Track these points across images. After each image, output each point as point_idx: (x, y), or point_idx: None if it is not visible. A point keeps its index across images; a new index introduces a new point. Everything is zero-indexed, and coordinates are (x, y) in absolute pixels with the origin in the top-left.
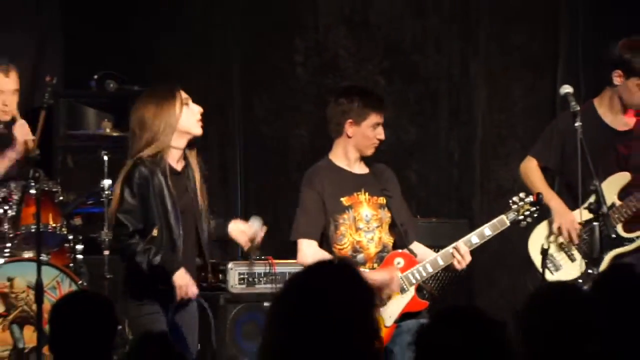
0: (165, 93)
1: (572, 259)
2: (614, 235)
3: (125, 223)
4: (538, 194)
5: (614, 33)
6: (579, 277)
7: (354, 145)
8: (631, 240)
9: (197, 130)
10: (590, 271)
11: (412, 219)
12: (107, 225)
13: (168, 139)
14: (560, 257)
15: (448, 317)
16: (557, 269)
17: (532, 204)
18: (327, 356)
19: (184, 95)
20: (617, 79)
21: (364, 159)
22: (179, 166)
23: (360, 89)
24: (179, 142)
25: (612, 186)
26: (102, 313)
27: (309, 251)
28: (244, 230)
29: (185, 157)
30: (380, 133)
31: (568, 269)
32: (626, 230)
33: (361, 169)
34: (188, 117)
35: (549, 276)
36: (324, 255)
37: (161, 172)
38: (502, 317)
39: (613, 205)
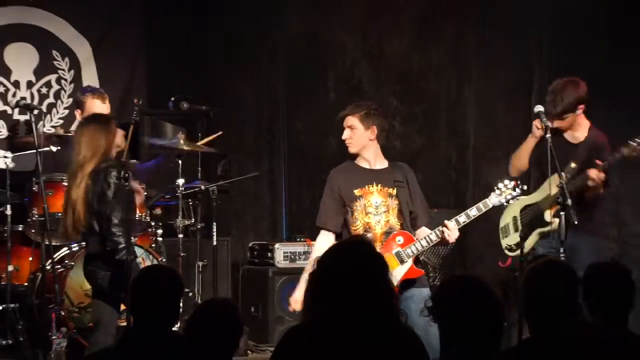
0: None
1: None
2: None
3: None
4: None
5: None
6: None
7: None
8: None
9: None
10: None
11: (424, 207)
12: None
13: None
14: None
15: (454, 281)
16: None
17: (512, 188)
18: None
19: None
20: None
21: (388, 158)
22: None
23: None
24: None
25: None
26: (173, 281)
27: (318, 242)
28: None
29: None
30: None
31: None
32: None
33: (381, 165)
34: None
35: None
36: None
37: None
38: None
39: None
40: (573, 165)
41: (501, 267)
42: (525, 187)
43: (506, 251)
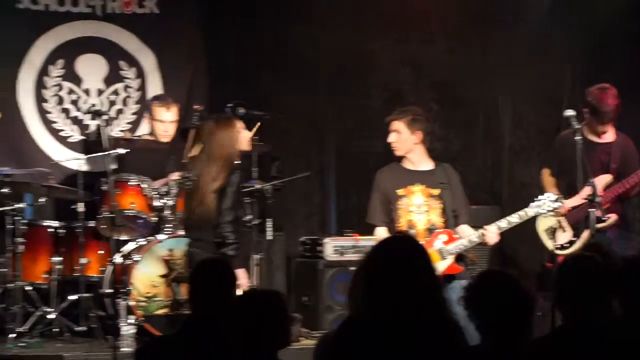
0: None
1: (564, 231)
2: (603, 219)
3: None
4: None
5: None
6: (567, 242)
7: None
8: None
9: None
10: (574, 239)
11: (466, 206)
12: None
13: None
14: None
15: (488, 276)
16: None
17: (554, 200)
18: (402, 299)
19: None
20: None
21: (435, 159)
22: None
23: None
24: None
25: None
26: (227, 273)
27: (376, 233)
28: None
29: None
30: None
31: (561, 237)
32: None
33: (426, 167)
34: None
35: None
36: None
37: None
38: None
39: None
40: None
41: (534, 260)
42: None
43: (557, 251)
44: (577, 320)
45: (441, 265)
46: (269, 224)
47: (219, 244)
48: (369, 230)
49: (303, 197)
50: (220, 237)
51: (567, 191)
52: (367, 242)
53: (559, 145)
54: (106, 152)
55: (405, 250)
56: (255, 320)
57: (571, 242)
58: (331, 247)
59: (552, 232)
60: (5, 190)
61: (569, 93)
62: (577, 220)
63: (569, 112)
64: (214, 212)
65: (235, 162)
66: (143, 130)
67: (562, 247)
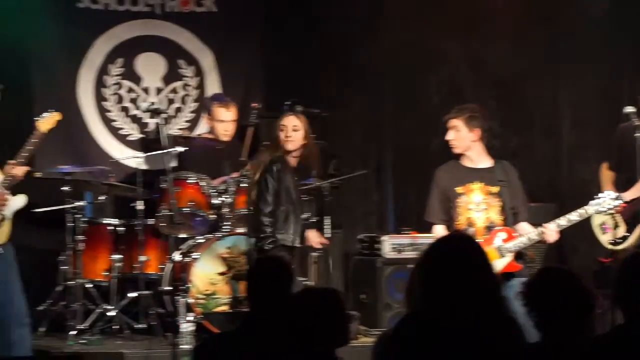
0: None
1: (617, 227)
2: None
3: None
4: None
5: None
6: (620, 237)
7: None
8: None
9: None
10: (627, 234)
11: (524, 204)
12: None
13: None
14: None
15: (548, 273)
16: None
17: (614, 198)
18: (460, 297)
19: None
20: None
21: (493, 156)
22: None
23: None
24: None
25: None
26: (284, 271)
27: (435, 234)
28: None
29: None
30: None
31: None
32: None
33: (485, 164)
34: None
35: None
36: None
37: None
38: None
39: None
40: None
41: (594, 258)
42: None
43: (610, 246)
44: (638, 318)
45: (500, 263)
46: (327, 221)
47: (256, 237)
48: (427, 228)
49: (361, 195)
50: (257, 231)
51: (625, 186)
52: (425, 240)
53: (618, 139)
54: (165, 150)
55: (462, 248)
56: (313, 318)
57: (624, 237)
58: (389, 244)
59: (606, 226)
60: (65, 188)
61: (628, 90)
62: (632, 214)
63: (629, 109)
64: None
65: (276, 155)
66: (201, 128)
67: (616, 242)
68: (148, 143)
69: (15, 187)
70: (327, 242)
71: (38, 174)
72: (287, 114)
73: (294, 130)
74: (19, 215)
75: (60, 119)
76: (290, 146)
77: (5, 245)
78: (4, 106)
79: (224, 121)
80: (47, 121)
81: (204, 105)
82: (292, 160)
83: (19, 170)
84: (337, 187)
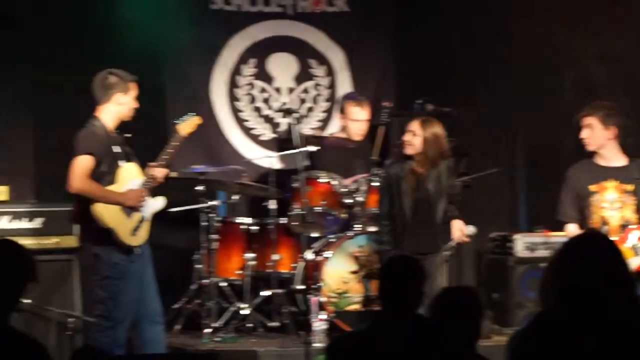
0: None
1: None
2: None
3: None
4: None
5: None
6: None
7: None
8: None
9: None
10: None
11: None
12: None
13: None
14: None
15: None
16: None
17: None
18: (591, 297)
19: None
20: None
21: (627, 154)
22: None
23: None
24: None
25: None
26: (416, 270)
27: (567, 230)
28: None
29: None
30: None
31: None
32: None
33: (619, 162)
34: None
35: None
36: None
37: None
38: None
39: None
40: None
41: None
42: None
43: None
44: None
45: (634, 262)
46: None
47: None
48: (559, 227)
49: (492, 194)
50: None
51: None
52: (559, 238)
53: None
54: (297, 150)
55: (597, 247)
56: (451, 317)
57: None
58: (522, 243)
59: None
60: (199, 188)
61: None
62: None
63: None
64: None
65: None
66: (333, 127)
67: None
68: (280, 143)
69: (154, 189)
70: (468, 240)
71: (173, 174)
72: (413, 119)
73: (413, 136)
74: (155, 215)
75: (200, 123)
76: (409, 150)
77: (143, 245)
78: (138, 107)
79: (358, 120)
80: (187, 125)
81: (338, 104)
82: (417, 164)
83: (160, 172)
84: (468, 186)
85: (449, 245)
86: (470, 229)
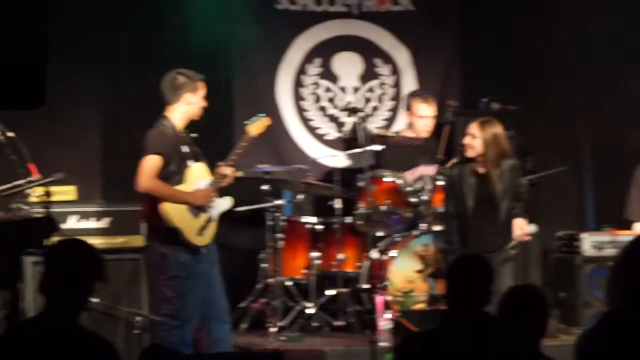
0: None
1: None
2: None
3: None
4: None
5: None
6: None
7: None
8: None
9: None
10: None
11: None
12: None
13: None
14: None
15: None
16: None
17: None
18: None
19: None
20: None
21: None
22: None
23: None
24: None
25: None
26: (485, 270)
27: (635, 228)
28: None
29: None
30: None
31: None
32: None
33: None
34: None
35: None
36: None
37: None
38: None
39: None
40: None
41: None
42: None
43: None
44: None
45: None
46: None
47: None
48: (627, 225)
49: (559, 192)
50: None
51: None
52: (626, 237)
53: None
54: (363, 149)
55: None
56: (518, 316)
57: None
58: (589, 242)
59: None
60: (265, 187)
61: None
62: None
63: None
64: None
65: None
66: (398, 126)
67: None
68: (345, 142)
69: (221, 189)
70: (529, 238)
71: (239, 174)
72: (478, 118)
73: (472, 138)
74: (221, 214)
75: (269, 124)
76: (470, 153)
77: (210, 245)
78: (207, 108)
79: (425, 117)
80: (257, 125)
81: (404, 101)
82: (479, 165)
83: (229, 171)
84: (535, 184)
85: (511, 244)
86: (532, 227)
